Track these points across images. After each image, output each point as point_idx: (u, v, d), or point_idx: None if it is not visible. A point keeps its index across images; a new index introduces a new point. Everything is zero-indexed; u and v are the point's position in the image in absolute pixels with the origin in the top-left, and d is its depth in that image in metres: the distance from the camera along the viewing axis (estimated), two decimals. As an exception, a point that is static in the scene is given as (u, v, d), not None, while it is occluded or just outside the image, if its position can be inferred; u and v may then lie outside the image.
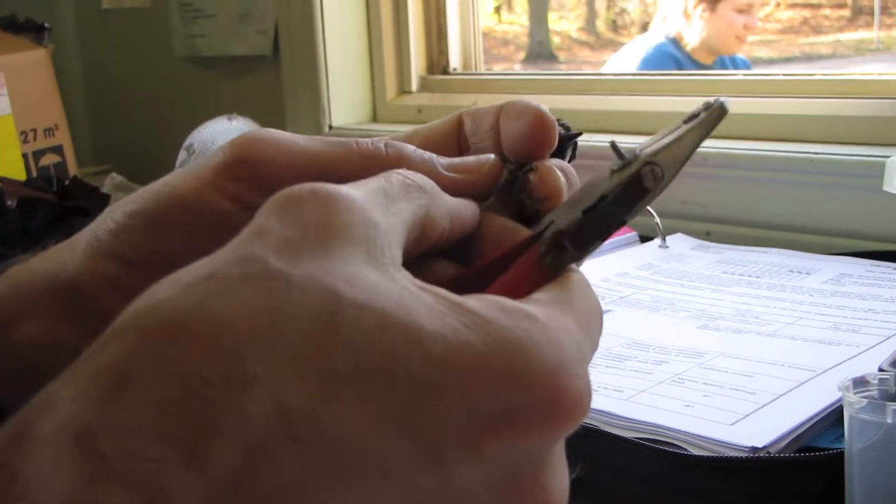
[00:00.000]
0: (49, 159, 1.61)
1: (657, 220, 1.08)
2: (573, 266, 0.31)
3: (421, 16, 1.62)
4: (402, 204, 0.29)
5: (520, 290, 0.29)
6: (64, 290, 0.36)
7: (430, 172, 0.34)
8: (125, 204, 0.36)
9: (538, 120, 0.37)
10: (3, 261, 0.38)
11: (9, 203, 1.14)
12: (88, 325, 0.33)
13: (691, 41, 2.52)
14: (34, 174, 1.55)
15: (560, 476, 0.27)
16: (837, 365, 0.73)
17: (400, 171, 0.31)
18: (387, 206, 0.28)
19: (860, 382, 0.56)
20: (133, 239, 0.35)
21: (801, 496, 0.60)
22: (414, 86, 1.62)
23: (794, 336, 0.80)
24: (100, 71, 2.05)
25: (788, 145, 1.17)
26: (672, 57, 2.49)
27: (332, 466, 0.23)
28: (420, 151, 0.35)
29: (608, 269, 1.02)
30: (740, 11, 2.48)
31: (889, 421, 0.53)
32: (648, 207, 1.09)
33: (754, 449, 0.61)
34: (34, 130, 1.59)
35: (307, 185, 0.27)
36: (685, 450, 0.63)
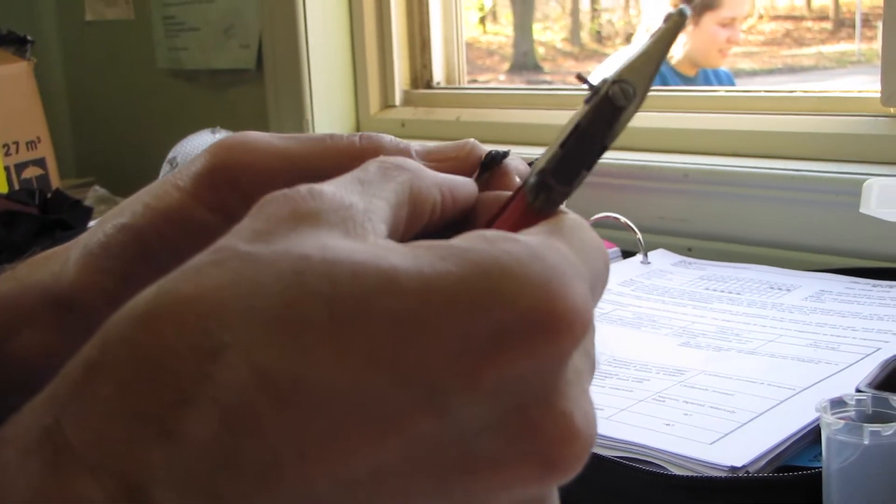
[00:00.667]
0: (31, 172, 1.61)
1: (639, 235, 1.09)
2: (567, 210, 0.30)
3: (404, 29, 1.63)
4: (382, 184, 0.28)
5: None
6: (58, 304, 0.36)
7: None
8: (114, 216, 0.36)
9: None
10: None
11: (-10, 217, 1.14)
12: (83, 338, 0.34)
13: (675, 54, 2.54)
14: (16, 187, 1.55)
15: (579, 401, 0.25)
16: (816, 383, 0.74)
17: (376, 159, 0.30)
18: (364, 191, 0.27)
19: (837, 403, 0.57)
20: (123, 253, 0.35)
21: (780, 515, 0.61)
22: (397, 100, 1.63)
23: (774, 354, 0.81)
24: (83, 83, 2.04)
25: (769, 162, 1.17)
26: (655, 69, 2.50)
27: (324, 426, 0.22)
28: (396, 140, 0.35)
29: (590, 285, 1.02)
30: (723, 25, 2.50)
31: (866, 442, 0.53)
32: (629, 223, 1.09)
33: (733, 468, 0.62)
34: (16, 143, 1.58)
35: (279, 190, 0.26)
36: (665, 469, 0.63)
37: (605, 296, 1.06)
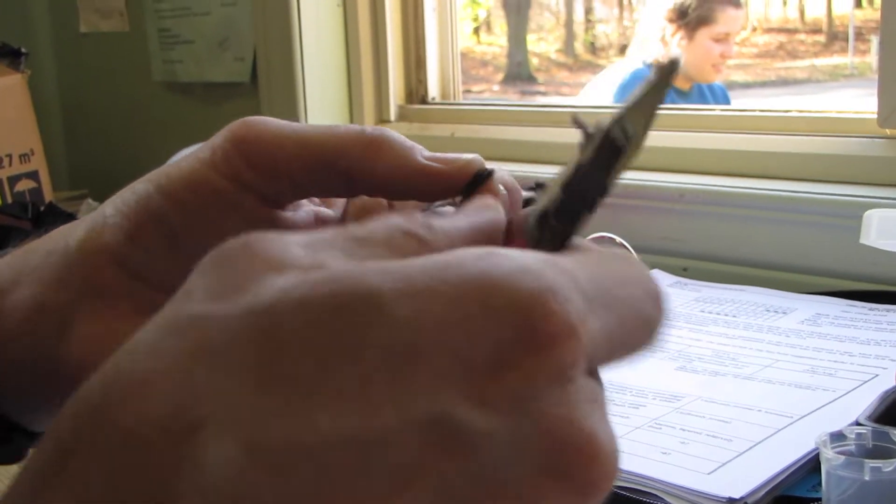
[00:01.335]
0: (24, 185, 1.60)
1: (635, 255, 1.08)
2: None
3: (400, 44, 1.63)
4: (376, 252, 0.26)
5: None
6: (60, 259, 0.38)
7: (409, 157, 0.36)
8: (135, 184, 0.38)
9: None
10: None
11: (-18, 233, 1.13)
12: (77, 289, 0.37)
13: (669, 69, 2.54)
14: (9, 200, 1.54)
15: (599, 420, 0.23)
16: (814, 411, 0.73)
17: (394, 220, 0.26)
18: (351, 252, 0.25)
19: (837, 437, 0.56)
20: (138, 215, 0.37)
21: (778, 548, 0.60)
22: (392, 115, 1.62)
23: (771, 379, 0.81)
24: (77, 96, 2.04)
25: (766, 182, 1.17)
26: (649, 84, 2.50)
27: (337, 488, 0.20)
28: (402, 137, 0.37)
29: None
30: (717, 40, 2.50)
31: (866, 478, 0.53)
32: (624, 242, 1.09)
33: (731, 500, 0.61)
34: (9, 156, 1.58)
35: (237, 239, 0.24)
36: (662, 499, 0.63)
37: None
